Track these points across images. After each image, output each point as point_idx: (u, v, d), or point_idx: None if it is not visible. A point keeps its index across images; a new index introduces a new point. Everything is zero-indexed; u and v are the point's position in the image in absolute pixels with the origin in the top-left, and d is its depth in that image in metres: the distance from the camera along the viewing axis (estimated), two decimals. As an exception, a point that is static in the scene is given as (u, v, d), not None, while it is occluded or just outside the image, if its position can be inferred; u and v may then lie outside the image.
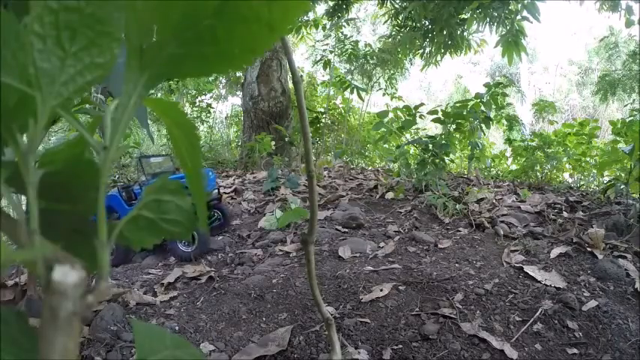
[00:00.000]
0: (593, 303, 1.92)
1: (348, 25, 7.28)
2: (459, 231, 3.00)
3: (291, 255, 2.70)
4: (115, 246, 2.63)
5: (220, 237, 3.10)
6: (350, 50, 6.56)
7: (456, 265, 2.38)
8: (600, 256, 2.37)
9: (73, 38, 0.25)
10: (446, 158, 4.16)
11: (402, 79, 8.59)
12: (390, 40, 6.33)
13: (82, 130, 0.28)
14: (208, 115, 7.96)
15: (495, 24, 4.67)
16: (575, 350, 1.68)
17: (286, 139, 5.56)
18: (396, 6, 5.98)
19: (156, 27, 0.27)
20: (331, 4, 6.50)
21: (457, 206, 3.32)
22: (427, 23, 5.52)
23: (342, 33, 6.76)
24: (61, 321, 0.22)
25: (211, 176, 3.40)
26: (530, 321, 1.83)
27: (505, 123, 5.69)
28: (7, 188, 0.28)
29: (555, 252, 2.47)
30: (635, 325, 1.79)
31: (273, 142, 5.36)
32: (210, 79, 7.63)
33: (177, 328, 1.86)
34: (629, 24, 4.40)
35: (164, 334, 0.27)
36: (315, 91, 8.07)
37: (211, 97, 8.41)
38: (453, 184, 4.38)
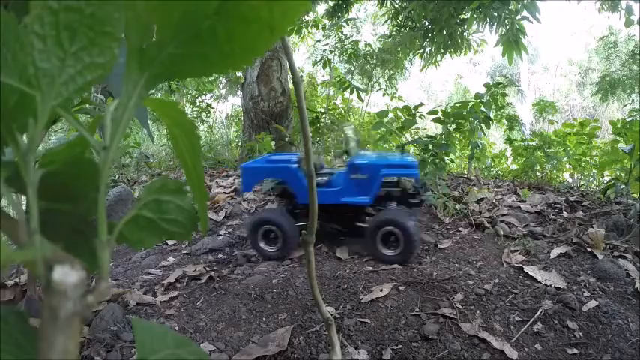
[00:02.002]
0: (593, 303, 1.92)
1: (348, 25, 7.28)
2: (459, 231, 3.00)
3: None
4: (284, 233, 2.42)
5: (220, 237, 3.10)
6: (350, 50, 6.56)
7: (456, 265, 2.38)
8: (600, 256, 2.37)
9: (73, 38, 0.25)
10: (446, 158, 4.16)
11: (402, 79, 8.59)
12: (390, 40, 6.33)
13: (82, 130, 0.28)
14: (208, 115, 7.95)
15: (495, 24, 4.67)
16: (575, 350, 1.68)
17: (286, 139, 5.55)
18: (396, 6, 5.98)
19: (156, 27, 0.27)
20: (331, 4, 6.50)
21: (457, 206, 3.32)
22: (427, 23, 5.52)
23: (342, 33, 6.75)
24: (61, 321, 0.22)
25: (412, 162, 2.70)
26: (530, 321, 1.83)
27: (505, 123, 5.69)
28: (7, 188, 0.28)
29: (555, 252, 2.47)
30: (635, 325, 1.79)
31: (273, 142, 5.35)
32: (210, 79, 7.63)
33: (177, 328, 1.87)
34: (628, 24, 4.40)
35: (165, 333, 0.27)
36: (315, 91, 8.06)
37: (211, 97, 8.40)
38: (453, 184, 4.38)
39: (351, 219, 2.65)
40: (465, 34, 5.46)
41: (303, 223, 2.61)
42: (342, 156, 2.73)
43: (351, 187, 2.51)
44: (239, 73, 6.44)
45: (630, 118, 3.83)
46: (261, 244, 2.56)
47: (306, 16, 6.55)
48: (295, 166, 2.55)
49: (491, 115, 4.33)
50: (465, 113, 4.06)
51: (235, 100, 8.63)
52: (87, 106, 0.88)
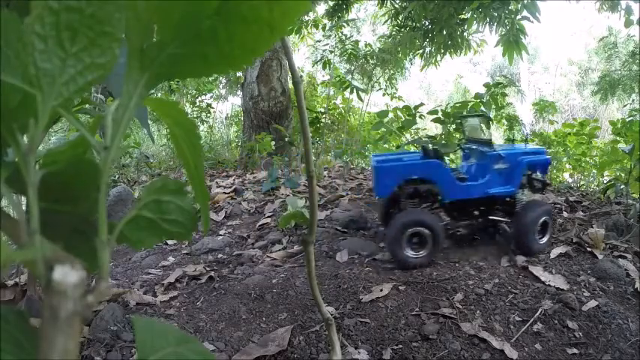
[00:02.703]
0: (593, 303, 1.92)
1: (348, 25, 7.28)
2: (459, 231, 3.00)
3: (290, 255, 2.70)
4: (437, 236, 2.26)
5: (220, 237, 3.10)
6: (350, 50, 6.56)
7: (456, 265, 2.38)
8: (600, 256, 2.37)
9: (73, 38, 0.25)
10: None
11: (402, 79, 8.58)
12: (390, 40, 6.33)
13: (83, 130, 0.28)
14: (208, 115, 7.95)
15: (495, 24, 4.67)
16: (575, 350, 1.68)
17: (286, 139, 5.55)
18: (396, 6, 5.97)
19: (156, 27, 0.27)
20: (331, 4, 6.49)
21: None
22: (427, 23, 5.52)
23: (342, 33, 6.75)
24: (61, 321, 0.22)
25: (542, 149, 2.74)
26: (530, 321, 1.83)
27: (505, 123, 5.69)
28: (8, 188, 0.28)
29: (555, 252, 2.47)
30: (635, 325, 1.79)
31: (273, 142, 5.35)
32: (210, 79, 7.63)
33: (176, 328, 1.86)
34: (628, 24, 4.39)
35: (166, 330, 0.27)
36: (315, 91, 8.06)
37: (211, 97, 8.40)
38: (453, 184, 4.37)
39: (485, 213, 2.60)
40: (465, 34, 5.46)
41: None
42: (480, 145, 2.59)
43: (495, 178, 2.46)
44: (239, 73, 6.44)
45: (630, 118, 3.83)
46: (407, 251, 2.30)
47: (306, 16, 6.55)
48: (438, 161, 2.47)
49: (492, 115, 4.33)
50: (465, 113, 4.06)
51: (235, 100, 8.63)
52: (87, 106, 0.88)
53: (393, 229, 2.29)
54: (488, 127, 2.61)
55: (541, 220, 2.38)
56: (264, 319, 1.94)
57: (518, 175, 2.45)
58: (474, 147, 2.65)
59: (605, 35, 11.37)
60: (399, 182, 2.40)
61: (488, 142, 2.51)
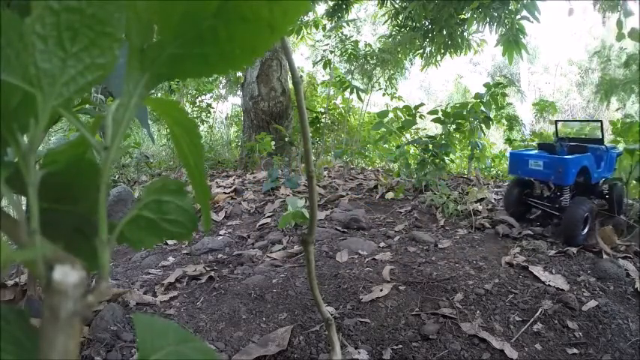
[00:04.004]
0: (593, 303, 1.92)
1: (348, 25, 7.28)
2: (459, 231, 3.00)
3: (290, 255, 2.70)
4: (593, 219, 2.64)
5: (220, 237, 3.10)
6: (350, 50, 6.55)
7: (456, 265, 2.38)
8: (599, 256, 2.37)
9: (74, 39, 0.25)
10: (446, 158, 4.17)
11: (402, 79, 8.58)
12: (390, 40, 6.33)
13: (84, 130, 0.28)
14: (208, 115, 7.95)
15: (495, 24, 4.67)
16: (575, 350, 1.68)
17: (286, 139, 5.55)
18: (396, 6, 5.98)
19: (157, 27, 0.27)
20: (331, 4, 6.49)
21: (457, 206, 3.32)
22: (427, 23, 5.52)
23: (342, 33, 6.75)
24: (61, 321, 0.22)
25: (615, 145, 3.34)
26: (530, 321, 1.83)
27: (505, 123, 5.69)
28: (8, 188, 0.28)
29: (555, 252, 2.47)
30: (635, 325, 1.79)
31: (273, 142, 5.35)
32: (210, 79, 7.62)
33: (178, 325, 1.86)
34: (619, 38, 4.31)
35: (167, 328, 0.27)
36: (315, 91, 8.07)
37: (211, 97, 8.40)
38: (453, 184, 4.38)
39: (591, 193, 3.20)
40: (465, 34, 5.46)
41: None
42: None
43: (606, 166, 3.14)
44: (239, 73, 6.45)
45: (628, 120, 3.83)
46: (581, 231, 2.67)
47: (306, 17, 6.55)
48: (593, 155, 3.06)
49: (491, 115, 4.33)
50: (465, 113, 4.06)
51: (235, 100, 8.63)
52: (87, 106, 0.88)
53: (577, 213, 2.66)
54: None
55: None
56: (264, 319, 1.94)
57: (612, 164, 3.18)
58: (589, 144, 3.26)
59: (597, 50, 11.36)
60: (577, 170, 2.89)
61: (601, 141, 3.16)
